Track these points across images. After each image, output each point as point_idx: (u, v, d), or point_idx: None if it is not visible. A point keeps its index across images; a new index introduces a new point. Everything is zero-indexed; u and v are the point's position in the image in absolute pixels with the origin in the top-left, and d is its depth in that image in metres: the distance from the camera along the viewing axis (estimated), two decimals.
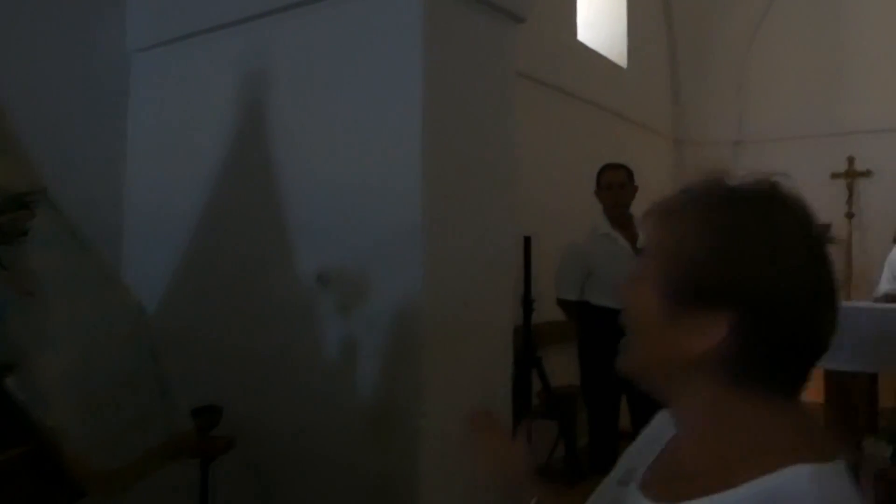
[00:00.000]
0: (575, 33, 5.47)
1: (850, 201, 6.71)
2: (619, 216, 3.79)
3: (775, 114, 6.94)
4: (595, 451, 3.85)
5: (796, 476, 0.75)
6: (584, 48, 5.58)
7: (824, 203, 5.55)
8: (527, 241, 3.76)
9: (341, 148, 2.79)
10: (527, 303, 3.85)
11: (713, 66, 7.07)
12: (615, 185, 3.80)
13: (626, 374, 0.91)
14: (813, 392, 5.19)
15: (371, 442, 2.68)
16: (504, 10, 3.00)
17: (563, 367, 4.26)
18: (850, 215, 6.69)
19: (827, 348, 0.83)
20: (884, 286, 4.78)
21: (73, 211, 2.05)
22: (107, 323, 1.98)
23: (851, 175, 6.74)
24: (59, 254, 1.89)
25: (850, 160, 6.72)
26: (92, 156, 3.38)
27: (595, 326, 3.72)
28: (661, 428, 0.99)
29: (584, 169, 4.19)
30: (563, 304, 3.97)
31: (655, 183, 5.17)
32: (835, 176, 6.72)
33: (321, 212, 2.81)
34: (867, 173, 6.68)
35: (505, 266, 3.03)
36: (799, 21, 6.91)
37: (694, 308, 0.82)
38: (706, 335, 0.81)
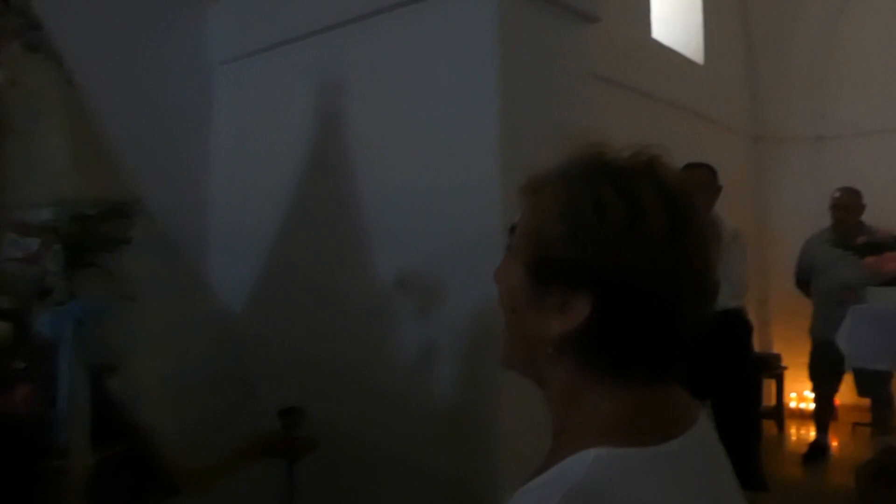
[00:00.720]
0: (649, 31, 5.38)
1: None
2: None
3: (860, 107, 6.65)
4: None
5: (580, 459, 0.72)
6: (658, 46, 5.48)
7: None
8: None
9: (419, 152, 2.82)
10: None
11: (793, 59, 6.83)
12: (694, 185, 3.71)
13: (506, 366, 0.88)
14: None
15: (450, 445, 2.69)
16: (578, 11, 2.98)
17: None
18: None
19: (697, 331, 0.79)
20: None
21: (160, 219, 2.14)
22: (197, 327, 2.06)
23: None
24: (153, 260, 1.97)
25: None
26: (177, 166, 3.50)
27: None
28: None
29: None
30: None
31: (735, 181, 5.04)
32: None
33: (400, 216, 2.85)
34: None
35: None
36: (884, 9, 6.62)
37: (554, 287, 0.78)
38: (567, 315, 0.77)
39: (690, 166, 3.80)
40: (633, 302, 0.75)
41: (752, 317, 4.03)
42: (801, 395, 6.12)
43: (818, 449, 5.00)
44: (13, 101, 1.94)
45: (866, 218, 4.80)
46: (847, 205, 4.83)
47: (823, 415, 5.08)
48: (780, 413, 5.82)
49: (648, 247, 0.74)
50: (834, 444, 5.23)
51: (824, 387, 5.01)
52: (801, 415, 6.06)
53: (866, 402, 4.94)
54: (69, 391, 1.59)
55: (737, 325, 3.61)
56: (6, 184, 1.89)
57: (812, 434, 5.19)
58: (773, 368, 5.83)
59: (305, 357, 3.08)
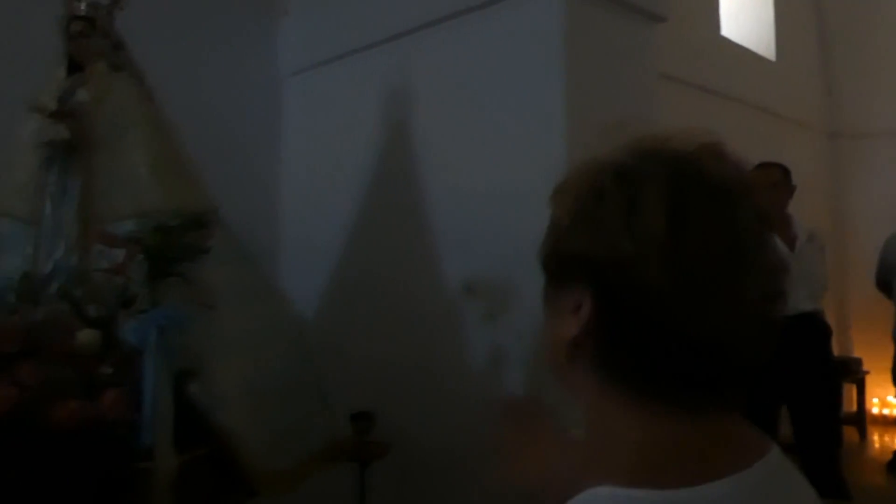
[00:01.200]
0: (718, 28, 5.27)
1: None
2: (774, 218, 3.61)
3: None
4: None
5: (592, 497, 0.65)
6: (728, 43, 5.37)
7: None
8: None
9: (485, 157, 2.83)
10: None
11: (871, 52, 6.57)
12: (766, 185, 3.61)
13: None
14: None
15: None
16: (644, 11, 2.95)
17: None
18: None
19: (730, 352, 0.66)
20: None
21: (235, 229, 2.20)
22: (272, 333, 2.12)
23: None
24: (230, 269, 2.04)
25: None
26: (249, 176, 3.60)
27: None
28: None
29: None
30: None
31: (810, 180, 4.89)
32: None
33: (467, 221, 2.86)
34: None
35: None
36: None
37: (567, 286, 0.70)
38: (575, 315, 0.69)
39: (762, 166, 3.70)
40: (632, 302, 0.65)
41: (831, 320, 3.90)
42: (883, 401, 5.88)
43: None
44: (99, 117, 2.03)
45: None
46: None
47: None
48: (861, 419, 5.61)
49: (644, 235, 0.65)
50: None
51: None
52: (884, 421, 5.83)
53: None
54: (153, 396, 1.66)
55: (814, 329, 3.49)
56: (94, 197, 1.98)
57: None
58: (853, 373, 5.62)
59: (376, 362, 3.12)
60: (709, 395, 0.68)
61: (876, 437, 5.65)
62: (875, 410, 5.92)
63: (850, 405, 5.57)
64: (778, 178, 3.62)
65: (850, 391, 5.62)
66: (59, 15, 2.10)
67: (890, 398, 5.53)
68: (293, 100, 3.75)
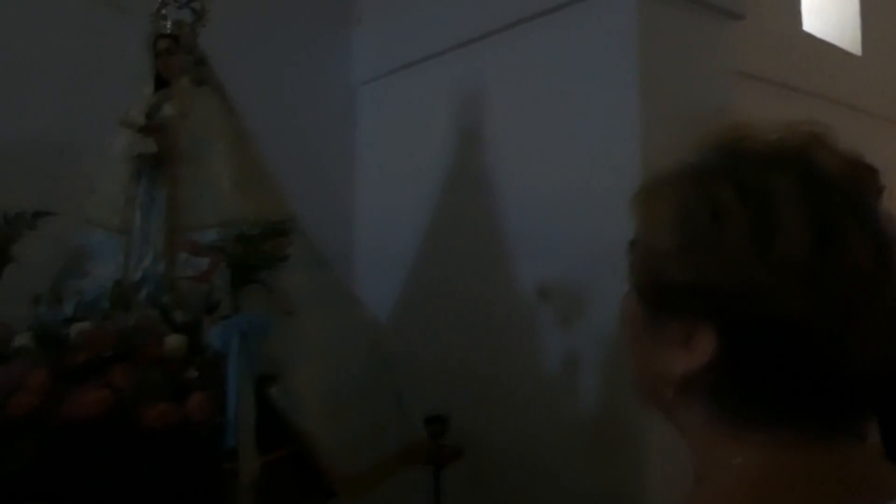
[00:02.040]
0: (800, 23, 5.09)
1: None
2: None
3: None
4: None
5: None
6: (811, 38, 5.18)
7: None
8: None
9: (559, 159, 2.82)
10: None
11: None
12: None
13: (637, 396, 0.73)
14: None
15: (597, 457, 2.66)
16: (721, 9, 2.88)
17: None
18: None
19: (873, 372, 0.58)
20: None
21: (311, 236, 2.26)
22: (349, 338, 2.16)
23: None
24: (308, 275, 2.09)
25: None
26: (323, 183, 3.67)
27: None
28: None
29: None
30: None
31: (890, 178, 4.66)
32: None
33: (541, 224, 2.86)
34: None
35: None
36: None
37: (674, 316, 0.62)
38: (691, 351, 0.61)
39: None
40: (769, 337, 0.57)
41: None
42: None
43: None
44: (184, 131, 2.12)
45: None
46: None
47: None
48: None
49: (784, 262, 0.56)
50: None
51: None
52: None
53: None
54: (237, 399, 1.71)
55: None
56: (179, 208, 2.07)
57: None
58: None
59: (450, 366, 3.14)
60: (834, 421, 0.61)
61: None
62: None
63: None
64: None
65: None
66: (147, 33, 2.20)
67: None
68: (366, 108, 3.82)
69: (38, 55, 2.79)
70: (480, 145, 3.14)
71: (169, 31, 2.20)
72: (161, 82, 2.21)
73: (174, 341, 1.83)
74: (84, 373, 1.76)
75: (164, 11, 2.21)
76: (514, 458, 2.91)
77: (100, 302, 2.04)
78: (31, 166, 2.72)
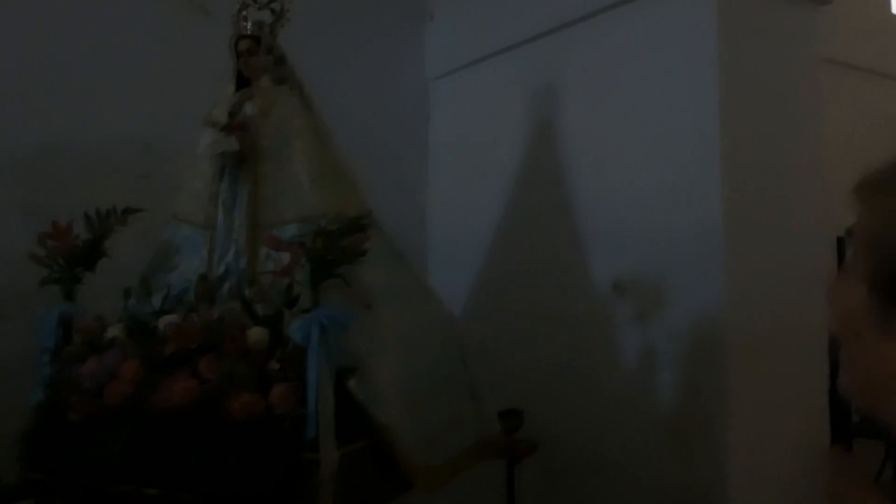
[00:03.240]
0: (889, 6, 4.87)
1: None
2: None
3: None
4: None
5: None
6: None
7: None
8: (840, 241, 3.43)
9: (636, 152, 2.78)
10: None
11: None
12: None
13: (844, 395, 0.72)
14: None
15: (673, 454, 2.62)
16: None
17: None
18: None
19: None
20: None
21: (388, 231, 2.29)
22: (425, 332, 2.18)
23: None
24: (385, 270, 2.12)
25: None
26: (398, 178, 3.71)
27: None
28: None
29: None
30: None
31: None
32: None
33: (617, 219, 2.82)
34: None
35: (816, 269, 2.78)
36: None
37: None
38: None
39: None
40: None
41: None
42: None
43: None
44: (265, 129, 2.17)
45: None
46: None
47: None
48: None
49: None
50: None
51: None
52: None
53: None
54: (317, 391, 1.75)
55: None
56: (261, 204, 2.12)
57: None
58: None
59: (525, 361, 3.14)
60: None
61: None
62: None
63: None
64: None
65: None
66: (229, 35, 2.26)
67: None
68: (440, 102, 3.84)
69: (128, 58, 2.92)
70: (554, 139, 3.12)
71: (249, 32, 2.25)
72: (243, 82, 2.27)
73: (257, 334, 1.88)
74: (173, 364, 1.83)
75: (244, 13, 2.27)
76: (588, 453, 2.89)
77: (186, 295, 2.12)
78: (122, 164, 2.85)
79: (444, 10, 3.79)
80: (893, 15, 4.91)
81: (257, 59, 2.22)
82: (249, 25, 2.25)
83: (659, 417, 2.67)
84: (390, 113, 3.72)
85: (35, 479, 1.83)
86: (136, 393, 1.78)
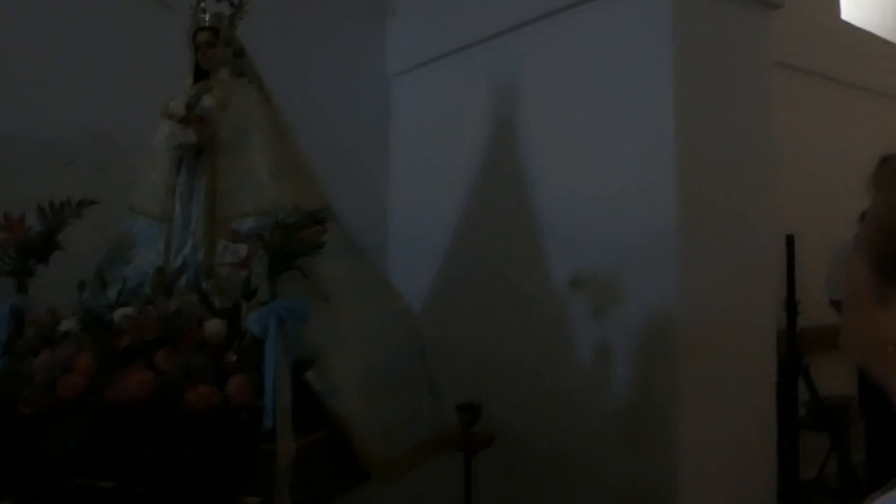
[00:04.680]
0: (838, 12, 5.01)
1: None
2: None
3: None
4: (875, 467, 3.51)
5: None
6: (849, 27, 5.10)
7: None
8: (790, 240, 3.52)
9: (593, 152, 2.83)
10: (791, 306, 3.60)
11: None
12: None
13: (846, 355, 0.82)
14: None
15: (627, 447, 2.68)
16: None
17: (833, 376, 3.92)
18: None
19: None
20: None
21: (347, 225, 2.30)
22: (384, 325, 2.19)
23: None
24: (344, 264, 2.13)
25: None
26: (359, 173, 3.72)
27: None
28: None
29: (853, 161, 3.82)
30: (836, 305, 3.66)
31: None
32: None
33: (574, 216, 2.87)
34: None
35: (766, 268, 2.87)
36: None
37: None
38: None
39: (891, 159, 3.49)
40: None
41: None
42: None
43: None
44: (223, 122, 2.17)
45: None
46: None
47: None
48: None
49: None
50: None
51: None
52: None
53: None
54: (274, 382, 1.76)
55: None
56: (219, 197, 2.12)
57: None
58: None
59: (483, 355, 3.17)
60: None
61: None
62: None
63: None
64: None
65: None
66: (187, 27, 2.25)
67: None
68: (401, 98, 3.86)
69: (85, 50, 2.88)
70: (514, 136, 3.16)
71: (208, 24, 2.24)
72: (201, 74, 2.26)
73: (214, 326, 1.87)
74: (128, 356, 1.82)
75: (203, 4, 2.25)
76: (544, 446, 2.94)
77: (142, 288, 2.10)
78: (77, 157, 2.81)
79: (406, 6, 3.81)
80: (842, 21, 5.06)
81: (216, 51, 2.21)
82: (208, 17, 2.24)
83: (613, 411, 2.73)
84: (351, 108, 3.72)
85: None
86: (91, 386, 1.76)
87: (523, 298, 3.08)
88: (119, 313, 1.93)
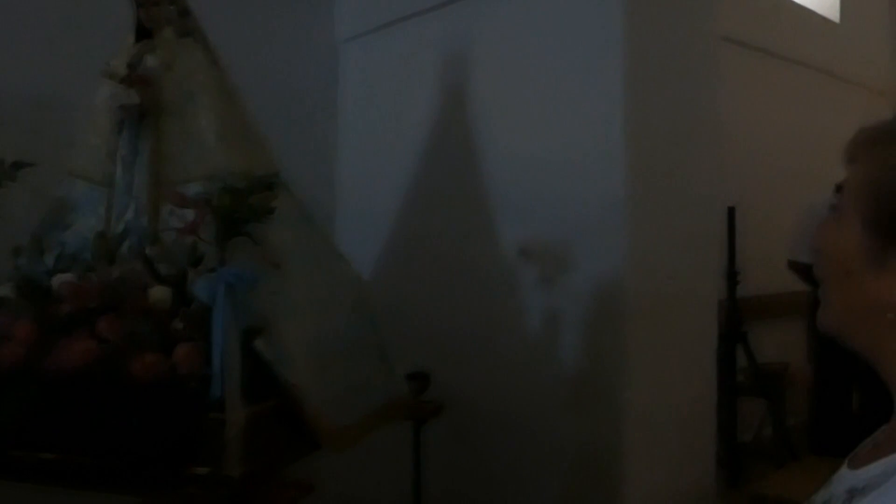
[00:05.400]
0: None
1: None
2: None
3: None
4: (819, 431, 3.67)
5: None
6: (791, 5, 5.20)
7: None
8: (731, 211, 3.62)
9: (543, 122, 2.83)
10: (731, 275, 3.71)
11: None
12: None
13: (824, 331, 0.82)
14: None
15: (574, 413, 2.72)
16: None
17: (771, 343, 4.06)
18: None
19: None
20: None
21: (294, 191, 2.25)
22: (335, 293, 2.17)
23: None
24: (293, 231, 2.09)
25: None
26: (305, 140, 3.64)
27: None
28: None
29: (794, 134, 3.93)
30: (795, 266, 3.78)
31: None
32: None
33: (524, 186, 2.88)
34: None
35: (709, 238, 2.94)
36: None
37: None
38: None
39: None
40: None
41: None
42: None
43: None
44: (168, 83, 2.09)
45: None
46: None
47: None
48: None
49: None
50: None
51: None
52: None
53: None
54: (223, 350, 1.72)
55: None
56: (164, 160, 2.05)
57: None
58: None
59: (432, 323, 3.17)
60: None
61: None
62: None
63: None
64: None
65: None
66: None
67: None
68: (349, 66, 3.79)
69: (19, 5, 2.73)
70: (465, 105, 3.14)
71: None
72: (143, 33, 2.17)
73: (159, 293, 1.82)
74: (69, 324, 1.76)
75: None
76: (493, 414, 2.97)
77: (82, 254, 2.03)
78: (11, 119, 2.68)
79: None
80: None
81: (159, 9, 2.12)
82: None
83: (560, 378, 2.77)
84: (298, 74, 3.64)
85: None
86: (31, 354, 1.70)
87: (472, 267, 3.09)
88: (57, 280, 1.87)
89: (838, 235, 0.79)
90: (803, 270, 3.68)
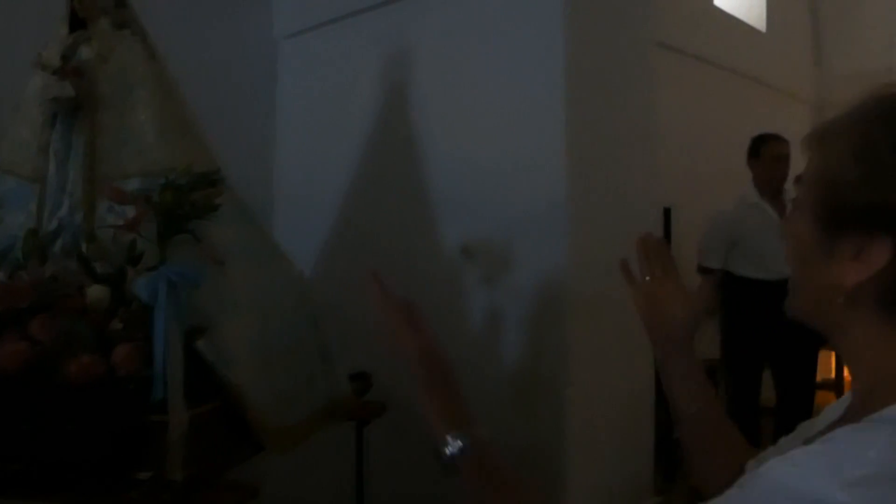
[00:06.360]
0: None
1: None
2: (776, 188, 3.69)
3: None
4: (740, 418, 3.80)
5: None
6: (721, 13, 5.38)
7: None
8: (666, 212, 3.71)
9: (485, 122, 2.85)
10: None
11: (861, 23, 6.60)
12: (783, 157, 3.70)
13: (792, 315, 0.86)
14: None
15: (517, 411, 2.74)
16: None
17: (705, 339, 4.18)
18: None
19: None
20: None
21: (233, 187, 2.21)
22: (277, 292, 2.13)
23: None
24: (235, 228, 2.04)
25: None
26: (244, 138, 3.57)
27: (738, 297, 3.68)
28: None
29: (722, 138, 4.06)
30: (704, 271, 3.90)
31: (796, 149, 4.92)
32: None
33: (466, 186, 2.89)
34: None
35: None
36: None
37: (847, 235, 0.76)
38: (863, 264, 0.74)
39: (775, 137, 3.76)
40: None
41: None
42: None
43: None
44: (104, 75, 2.02)
45: None
46: None
47: None
48: (839, 385, 5.74)
49: None
50: None
51: None
52: None
53: None
54: (165, 351, 1.68)
55: None
56: (99, 155, 1.98)
57: None
58: None
59: (372, 324, 3.14)
60: None
61: None
62: None
63: (829, 372, 5.70)
64: (789, 152, 3.73)
65: (829, 358, 5.74)
66: None
67: None
68: (289, 62, 3.74)
69: None
70: (405, 104, 3.13)
71: None
72: (78, 23, 2.09)
73: (96, 292, 1.76)
74: None
75: None
76: None
77: (11, 252, 1.94)
78: None
79: None
80: (715, 7, 5.33)
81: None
82: None
83: (504, 377, 2.79)
84: (236, 70, 3.57)
85: None
86: None
87: (414, 266, 3.08)
88: None
89: (796, 226, 0.84)
90: (708, 275, 3.84)
